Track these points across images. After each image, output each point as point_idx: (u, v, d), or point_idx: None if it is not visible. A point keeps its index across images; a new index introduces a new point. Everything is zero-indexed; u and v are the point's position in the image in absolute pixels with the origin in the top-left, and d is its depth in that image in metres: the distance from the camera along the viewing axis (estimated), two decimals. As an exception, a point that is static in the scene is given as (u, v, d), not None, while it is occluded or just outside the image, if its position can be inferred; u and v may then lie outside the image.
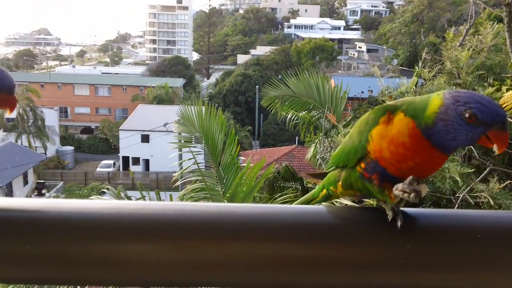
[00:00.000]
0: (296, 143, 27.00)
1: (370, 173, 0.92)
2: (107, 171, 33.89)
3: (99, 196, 5.00)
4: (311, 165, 7.50)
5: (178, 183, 5.85)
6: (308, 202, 1.14)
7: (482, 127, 0.81)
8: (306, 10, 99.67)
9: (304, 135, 7.49)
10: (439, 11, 48.50)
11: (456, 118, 0.82)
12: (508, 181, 3.80)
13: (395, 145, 0.86)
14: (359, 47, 71.41)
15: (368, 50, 67.81)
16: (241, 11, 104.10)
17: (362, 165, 0.93)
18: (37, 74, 60.95)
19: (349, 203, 3.45)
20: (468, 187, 3.73)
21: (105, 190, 5.26)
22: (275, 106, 7.64)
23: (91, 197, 4.95)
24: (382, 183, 0.90)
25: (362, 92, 17.76)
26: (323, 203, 1.12)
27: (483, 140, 0.83)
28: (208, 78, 70.03)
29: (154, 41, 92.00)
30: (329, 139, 6.18)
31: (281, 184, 5.99)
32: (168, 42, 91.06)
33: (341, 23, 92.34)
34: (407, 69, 32.72)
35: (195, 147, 5.62)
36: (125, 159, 35.22)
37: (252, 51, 71.29)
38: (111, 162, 35.83)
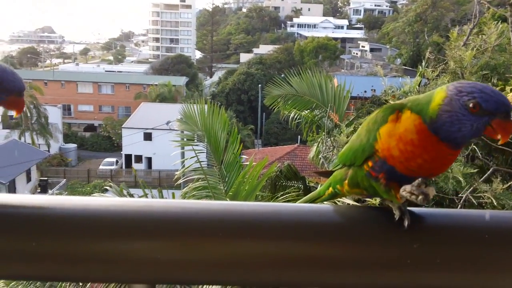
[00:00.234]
0: (299, 142, 26.98)
1: (377, 172, 0.91)
2: (110, 169, 33.97)
3: (102, 194, 5.02)
4: (313, 164, 7.50)
5: (180, 181, 5.86)
6: (313, 200, 1.14)
7: (486, 116, 0.81)
8: (309, 9, 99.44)
9: (307, 134, 7.49)
10: (442, 10, 48.26)
11: (460, 109, 0.81)
12: (512, 182, 3.78)
13: (404, 143, 0.86)
14: (362, 46, 71.21)
15: (371, 49, 67.61)
16: (244, 10, 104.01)
17: (370, 163, 0.92)
18: (41, 71, 61.10)
19: (351, 202, 3.45)
20: (471, 188, 3.72)
21: (107, 188, 5.27)
22: (278, 105, 7.63)
23: (94, 195, 4.97)
24: (388, 182, 0.90)
25: (365, 92, 17.74)
26: (328, 201, 1.12)
27: (488, 130, 0.82)
28: (211, 77, 70.01)
29: (157, 40, 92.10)
30: (332, 138, 6.18)
31: (283, 183, 5.99)
32: (171, 40, 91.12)
33: (344, 22, 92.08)
34: (411, 68, 32.63)
35: (197, 145, 5.62)
36: (128, 157, 35.30)
37: (255, 50, 71.21)
38: (114, 160, 35.92)
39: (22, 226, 0.79)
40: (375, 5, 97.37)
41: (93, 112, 47.50)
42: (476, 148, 4.13)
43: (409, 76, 5.41)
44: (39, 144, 34.80)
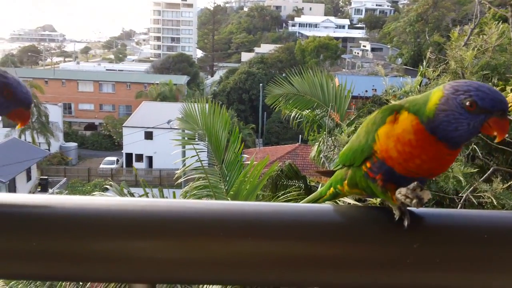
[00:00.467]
0: (300, 141, 26.99)
1: (375, 173, 0.91)
2: (110, 168, 33.97)
3: (102, 193, 5.01)
4: (314, 164, 7.50)
5: (181, 180, 5.86)
6: (315, 200, 1.15)
7: (483, 115, 0.80)
8: (310, 9, 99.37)
9: (308, 133, 7.49)
10: (444, 10, 48.17)
11: (457, 108, 0.81)
12: (512, 182, 3.78)
13: (402, 144, 0.86)
14: (364, 46, 71.14)
15: (373, 49, 67.53)
16: (245, 9, 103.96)
17: (368, 164, 0.93)
18: (42, 70, 61.14)
19: (352, 201, 3.45)
20: (472, 187, 3.72)
21: (108, 187, 5.27)
22: (279, 104, 7.64)
23: (94, 194, 4.96)
24: (385, 184, 0.90)
25: (366, 91, 17.75)
26: (330, 201, 1.13)
27: (485, 128, 0.82)
28: (212, 76, 70.01)
29: (158, 38, 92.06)
30: (333, 138, 6.18)
31: (284, 182, 5.99)
32: (173, 39, 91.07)
33: (346, 21, 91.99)
34: (412, 68, 32.59)
35: (198, 144, 5.63)
36: (129, 156, 35.32)
37: (256, 49, 71.16)
38: (115, 158, 35.92)
39: (22, 225, 0.79)
40: (377, 5, 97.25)
41: (94, 110, 47.52)
42: (477, 148, 4.13)
43: (410, 76, 5.41)
44: (39, 143, 34.82)
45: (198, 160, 5.21)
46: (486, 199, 3.62)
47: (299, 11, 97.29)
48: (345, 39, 78.35)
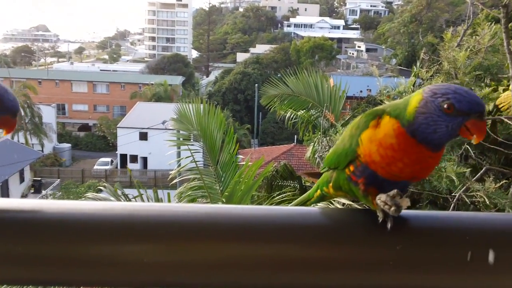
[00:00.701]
0: (295, 141, 27.01)
1: (357, 177, 0.93)
2: (105, 169, 33.78)
3: (96, 194, 4.98)
4: (309, 164, 7.52)
5: (176, 180, 5.85)
6: (304, 202, 1.16)
7: (460, 117, 0.82)
8: (305, 9, 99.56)
9: (303, 133, 7.51)
10: (437, 11, 48.45)
11: (435, 110, 0.83)
12: (504, 181, 3.82)
13: (384, 148, 0.87)
14: (358, 47, 71.40)
15: (367, 50, 67.80)
16: (241, 9, 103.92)
17: (351, 168, 0.94)
18: (35, 70, 60.66)
19: (347, 202, 3.45)
20: (464, 187, 3.75)
21: (102, 188, 5.24)
22: (274, 105, 7.65)
23: (87, 195, 4.93)
24: (367, 187, 0.91)
25: (361, 91, 17.79)
26: (319, 203, 1.13)
27: (463, 131, 0.83)
28: (207, 76, 69.89)
29: (153, 39, 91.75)
30: (328, 138, 6.19)
31: (280, 183, 5.99)
32: (168, 39, 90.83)
33: (341, 22, 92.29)
34: (406, 68, 32.71)
35: (193, 145, 5.61)
36: (123, 156, 35.15)
37: (252, 50, 71.19)
38: (109, 159, 35.73)
39: (8, 230, 0.79)
40: (371, 6, 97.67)
41: (88, 111, 47.26)
42: (469, 148, 4.16)
43: (404, 77, 5.44)
44: (32, 144, 34.52)
45: (193, 160, 5.20)
46: (479, 198, 3.65)
47: (294, 12, 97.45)
48: (340, 40, 78.59)
